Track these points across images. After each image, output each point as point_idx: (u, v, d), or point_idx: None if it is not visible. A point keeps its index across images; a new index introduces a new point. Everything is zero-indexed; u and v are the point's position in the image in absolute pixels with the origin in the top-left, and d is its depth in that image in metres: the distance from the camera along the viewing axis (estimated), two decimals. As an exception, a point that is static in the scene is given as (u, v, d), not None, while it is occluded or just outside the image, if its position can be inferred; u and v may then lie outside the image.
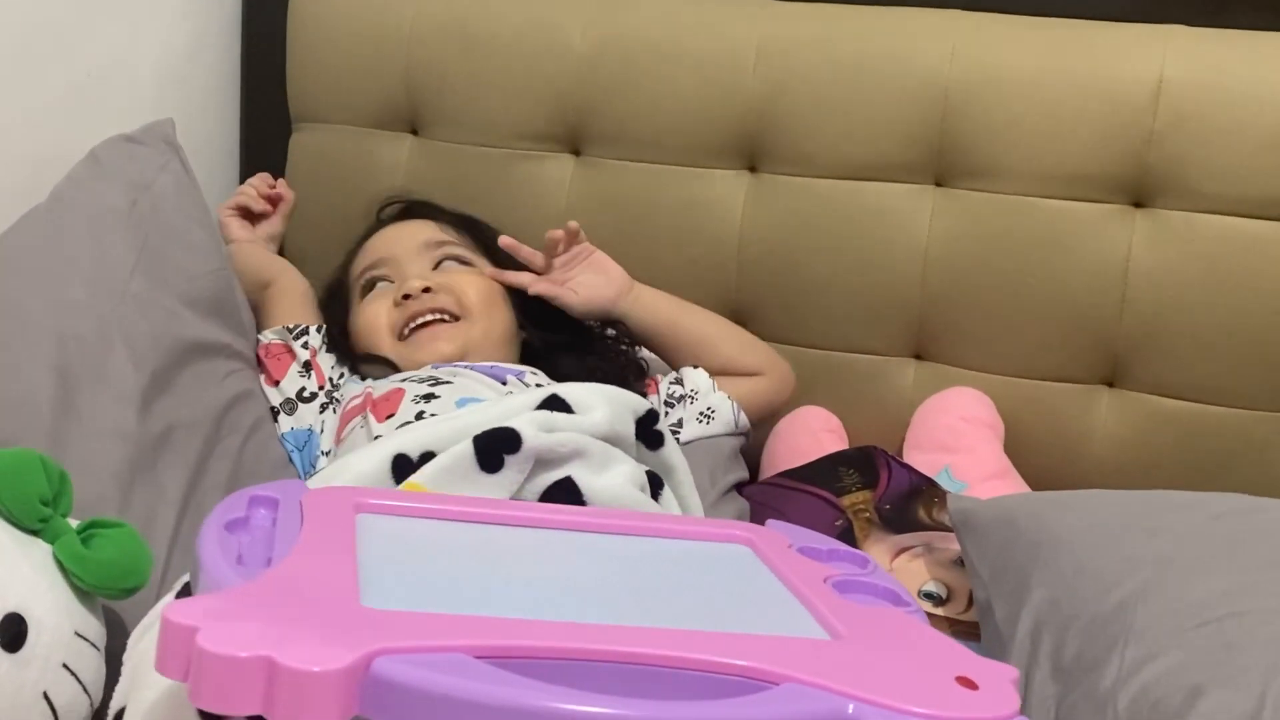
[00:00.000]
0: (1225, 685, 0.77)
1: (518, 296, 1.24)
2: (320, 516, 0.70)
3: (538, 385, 1.10)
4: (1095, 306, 1.27)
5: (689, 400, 1.23)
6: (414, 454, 0.88)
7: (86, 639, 0.78)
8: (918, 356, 1.37)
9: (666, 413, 1.22)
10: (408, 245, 1.24)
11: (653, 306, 1.25)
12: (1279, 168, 1.20)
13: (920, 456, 1.27)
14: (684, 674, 0.57)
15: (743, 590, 0.75)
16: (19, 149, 1.16)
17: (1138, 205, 1.26)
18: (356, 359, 1.20)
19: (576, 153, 1.42)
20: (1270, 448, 1.26)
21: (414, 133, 1.46)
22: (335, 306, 1.28)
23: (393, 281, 1.22)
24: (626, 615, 0.63)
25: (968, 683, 0.58)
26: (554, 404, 0.93)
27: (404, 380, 1.08)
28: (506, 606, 0.62)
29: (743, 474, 1.24)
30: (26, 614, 0.74)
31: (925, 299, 1.32)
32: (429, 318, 1.17)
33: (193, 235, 1.17)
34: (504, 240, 1.23)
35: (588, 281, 1.23)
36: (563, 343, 1.23)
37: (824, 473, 1.22)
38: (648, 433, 0.98)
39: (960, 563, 1.09)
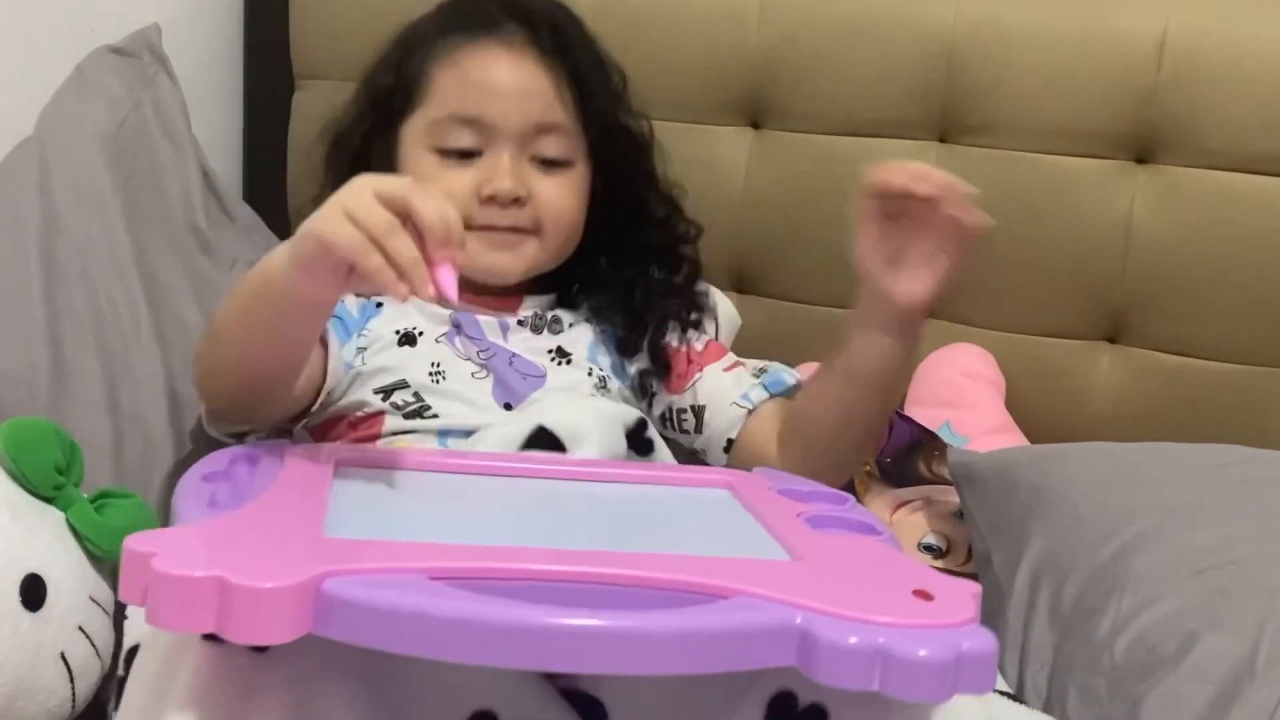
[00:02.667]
0: (1220, 631, 0.78)
1: (596, 212, 1.07)
2: (299, 467, 0.73)
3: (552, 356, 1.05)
4: (1097, 262, 1.27)
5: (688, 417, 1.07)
6: None
7: (99, 604, 0.80)
8: (920, 313, 1.37)
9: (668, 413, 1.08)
10: (516, 117, 1.02)
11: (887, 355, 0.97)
12: (1282, 123, 1.20)
13: (921, 411, 1.27)
14: (634, 591, 0.58)
15: (711, 525, 0.77)
16: (20, 104, 1.16)
17: (1141, 161, 1.26)
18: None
19: (579, 110, 1.41)
20: (1271, 403, 1.26)
21: (417, 90, 1.46)
22: (362, 144, 1.07)
23: (483, 156, 1.03)
24: (581, 544, 0.65)
25: (924, 595, 0.59)
26: (542, 438, 0.89)
27: (383, 397, 0.95)
28: (463, 538, 0.64)
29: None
30: (45, 576, 0.76)
31: (927, 255, 1.32)
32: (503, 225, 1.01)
33: (178, 154, 1.16)
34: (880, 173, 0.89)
35: (919, 275, 0.91)
36: (627, 278, 1.08)
37: (825, 428, 1.22)
38: (639, 440, 0.95)
39: (959, 516, 1.10)
